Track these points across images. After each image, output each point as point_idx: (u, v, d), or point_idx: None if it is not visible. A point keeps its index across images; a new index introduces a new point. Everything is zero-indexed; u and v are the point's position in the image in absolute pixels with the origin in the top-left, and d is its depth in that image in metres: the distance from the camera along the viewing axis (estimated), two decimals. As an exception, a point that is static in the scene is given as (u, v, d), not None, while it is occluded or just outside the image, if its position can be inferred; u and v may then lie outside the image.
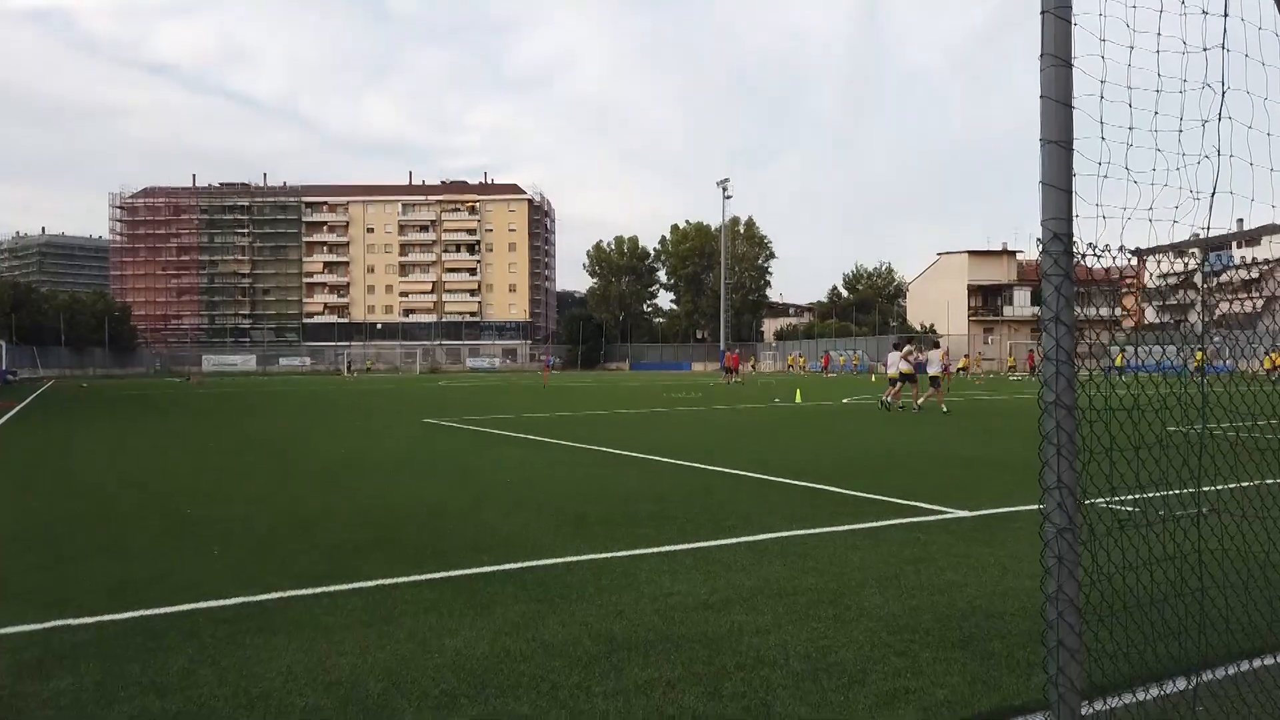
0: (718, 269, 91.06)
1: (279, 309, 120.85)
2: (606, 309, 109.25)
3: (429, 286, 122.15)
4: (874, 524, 7.07)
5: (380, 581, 5.40)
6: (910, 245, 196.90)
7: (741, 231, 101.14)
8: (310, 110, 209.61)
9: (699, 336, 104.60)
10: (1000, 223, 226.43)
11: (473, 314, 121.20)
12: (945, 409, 20.88)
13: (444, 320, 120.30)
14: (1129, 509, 6.69)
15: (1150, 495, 8.37)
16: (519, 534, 6.83)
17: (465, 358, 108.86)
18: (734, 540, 6.49)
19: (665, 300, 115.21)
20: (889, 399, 21.65)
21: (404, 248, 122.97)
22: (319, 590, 5.22)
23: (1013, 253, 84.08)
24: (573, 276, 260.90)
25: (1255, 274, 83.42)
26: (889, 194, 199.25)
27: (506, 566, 5.75)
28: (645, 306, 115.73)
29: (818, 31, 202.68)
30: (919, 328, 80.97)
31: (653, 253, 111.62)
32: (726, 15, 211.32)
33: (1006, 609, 4.76)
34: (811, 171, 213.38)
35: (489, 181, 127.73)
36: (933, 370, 21.74)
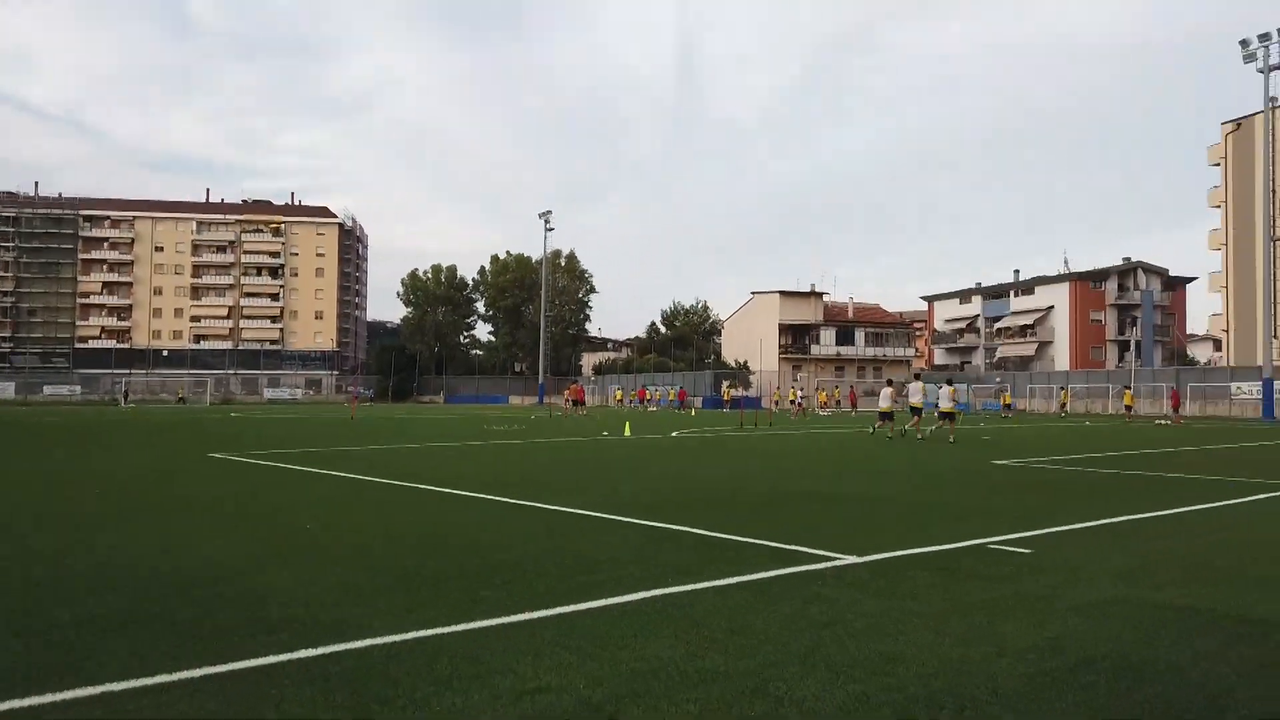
0: (538, 301, 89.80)
1: (47, 331, 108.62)
2: (421, 340, 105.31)
3: (225, 311, 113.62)
4: (760, 575, 5.99)
5: (111, 687, 3.73)
6: (726, 284, 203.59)
7: (563, 265, 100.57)
8: (98, 121, 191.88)
9: (517, 369, 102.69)
10: (809, 266, 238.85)
11: (274, 342, 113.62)
12: (921, 436, 23.55)
13: (240, 348, 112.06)
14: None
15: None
16: (322, 603, 5.23)
17: (263, 388, 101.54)
18: (602, 602, 5.20)
19: (483, 332, 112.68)
20: (911, 429, 24.29)
21: (198, 269, 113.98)
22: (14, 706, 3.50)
23: (820, 294, 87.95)
24: (386, 306, 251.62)
25: (1030, 320, 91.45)
26: (706, 234, 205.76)
27: (302, 654, 4.19)
28: (462, 338, 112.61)
29: (638, 76, 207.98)
30: (733, 364, 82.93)
31: (471, 283, 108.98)
32: (549, 54, 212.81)
33: (970, 689, 3.75)
34: (632, 209, 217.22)
35: (297, 204, 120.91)
36: (914, 400, 24.59)
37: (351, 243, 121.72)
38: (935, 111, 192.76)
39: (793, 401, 54.52)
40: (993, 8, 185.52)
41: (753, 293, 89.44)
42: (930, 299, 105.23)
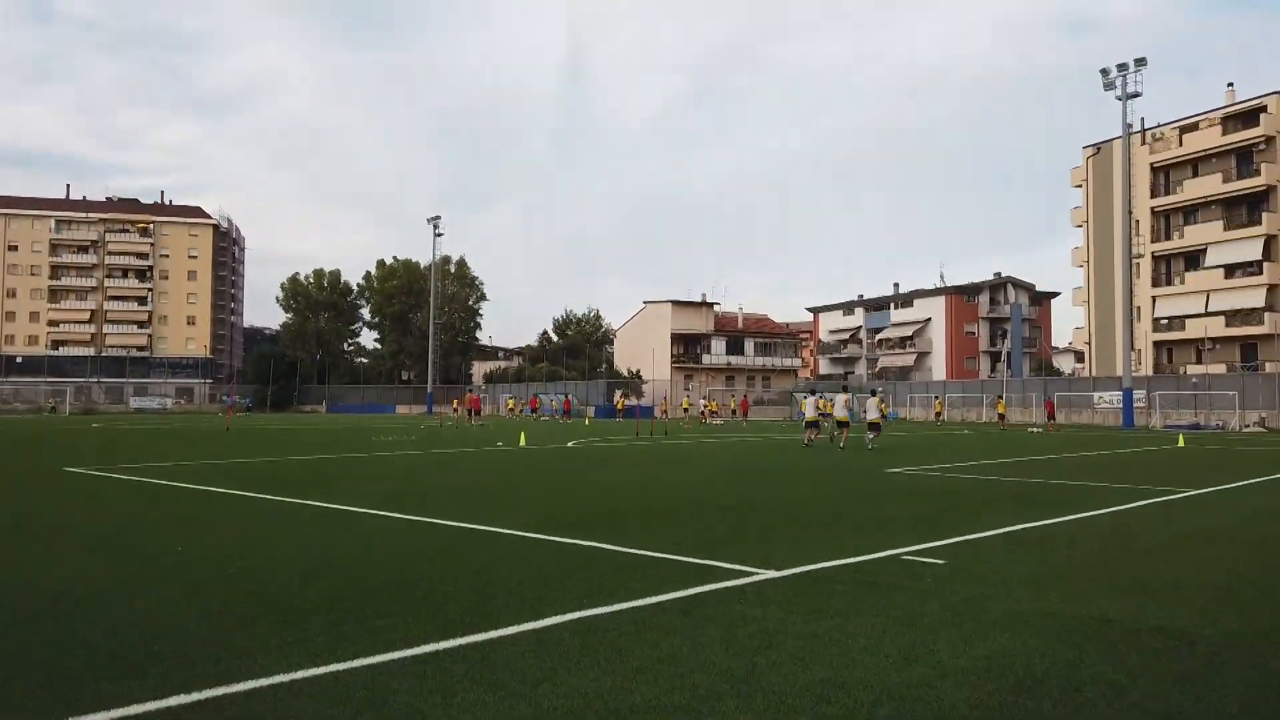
0: (426, 308, 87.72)
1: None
2: (303, 347, 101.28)
3: (87, 315, 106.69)
4: (681, 594, 5.69)
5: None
6: (618, 293, 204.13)
7: (453, 271, 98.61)
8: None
9: (404, 378, 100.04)
10: (700, 276, 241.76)
11: (141, 348, 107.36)
12: (842, 446, 23.99)
13: (105, 354, 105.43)
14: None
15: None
16: (197, 637, 4.64)
17: (129, 397, 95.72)
18: (516, 629, 4.79)
19: (369, 339, 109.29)
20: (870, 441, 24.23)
21: (56, 270, 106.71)
22: None
23: (711, 304, 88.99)
24: (265, 311, 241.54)
25: (909, 332, 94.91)
26: (598, 243, 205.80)
27: (175, 701, 3.64)
28: (346, 345, 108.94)
29: (527, 83, 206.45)
30: (626, 373, 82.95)
31: (357, 289, 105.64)
32: (437, 56, 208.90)
33: (919, 717, 3.52)
34: (524, 215, 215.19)
35: (168, 204, 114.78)
36: (872, 416, 25.21)
37: (227, 245, 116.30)
38: (818, 127, 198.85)
39: (685, 410, 54.87)
40: (876, 31, 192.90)
41: (645, 302, 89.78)
42: (816, 310, 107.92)
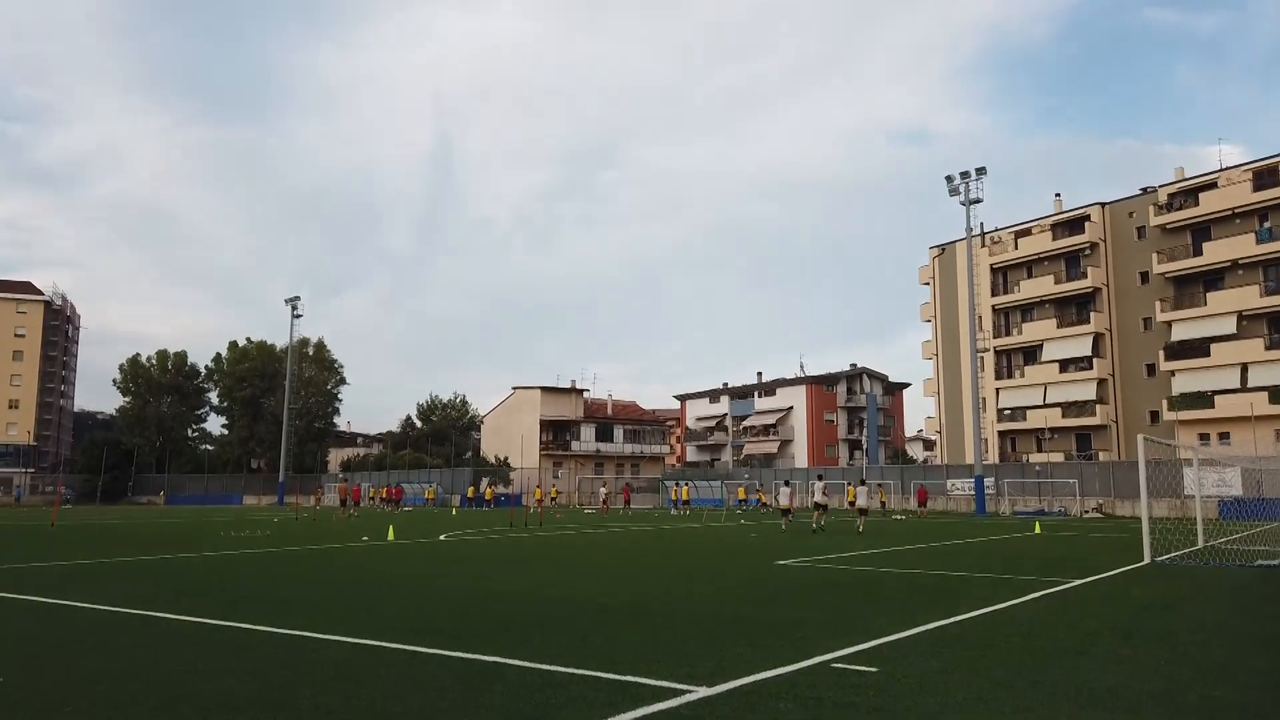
0: (281, 392, 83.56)
1: None
2: (142, 433, 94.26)
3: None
4: (614, 722, 5.07)
5: None
6: (486, 379, 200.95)
7: (311, 354, 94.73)
8: None
9: (254, 466, 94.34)
10: (570, 363, 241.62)
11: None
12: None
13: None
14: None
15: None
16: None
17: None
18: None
19: (216, 425, 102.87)
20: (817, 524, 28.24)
21: None
22: None
23: (580, 390, 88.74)
24: (101, 395, 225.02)
25: (773, 420, 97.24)
26: (465, 329, 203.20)
27: None
28: (191, 431, 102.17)
29: (393, 168, 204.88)
30: (493, 460, 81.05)
31: (205, 371, 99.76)
32: (298, 138, 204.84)
33: None
34: (388, 301, 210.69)
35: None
36: (861, 503, 29.43)
37: (60, 323, 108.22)
38: (682, 222, 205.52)
39: (554, 499, 53.74)
40: (734, 135, 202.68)
41: (514, 388, 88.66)
42: (683, 398, 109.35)
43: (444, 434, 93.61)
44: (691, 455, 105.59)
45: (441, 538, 24.74)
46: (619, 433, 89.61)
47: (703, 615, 9.73)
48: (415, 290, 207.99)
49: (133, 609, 9.89)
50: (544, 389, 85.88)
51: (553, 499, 53.59)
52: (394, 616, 9.52)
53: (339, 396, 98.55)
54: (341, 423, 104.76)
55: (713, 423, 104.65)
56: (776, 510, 35.72)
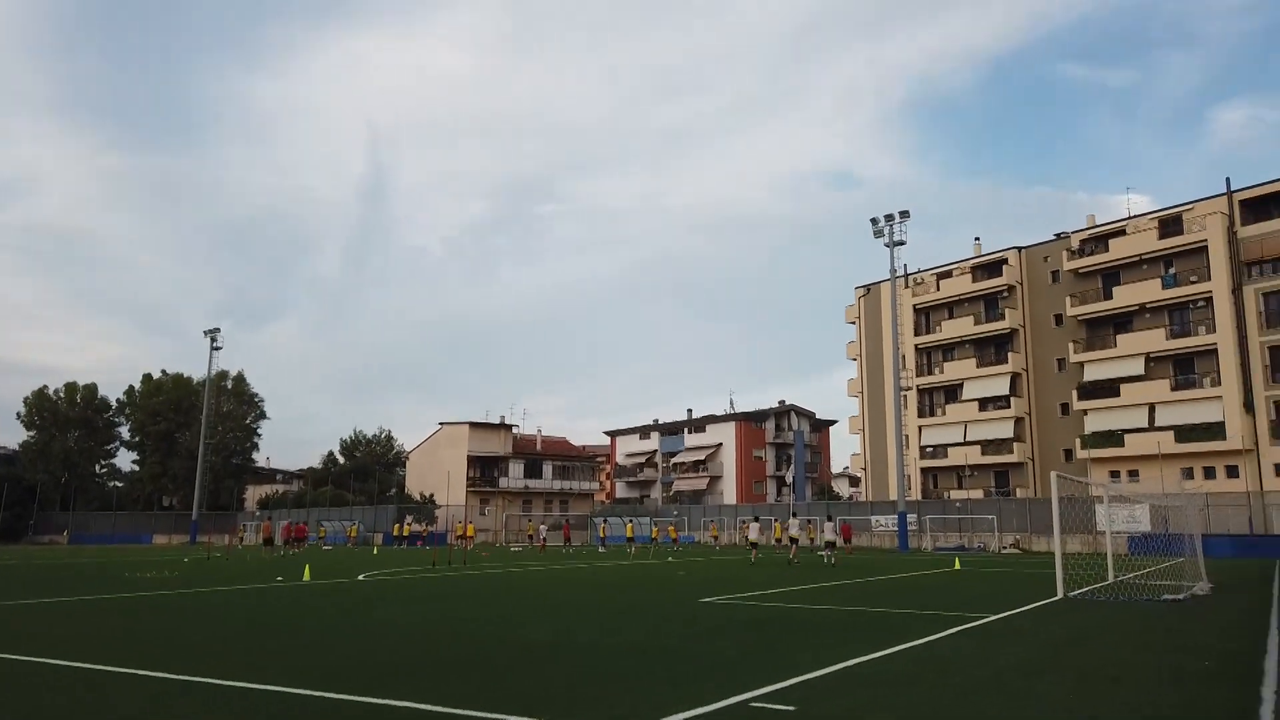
0: (197, 426, 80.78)
1: None
2: (46, 469, 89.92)
3: None
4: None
5: None
6: (413, 414, 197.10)
7: (229, 387, 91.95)
8: None
9: (166, 503, 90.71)
10: (499, 398, 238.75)
11: None
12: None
13: None
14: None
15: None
16: None
17: None
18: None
19: (126, 460, 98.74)
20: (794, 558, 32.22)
21: None
22: None
23: (509, 426, 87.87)
24: (2, 430, 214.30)
25: (702, 456, 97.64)
26: (393, 362, 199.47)
27: None
28: (99, 467, 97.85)
29: (324, 198, 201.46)
30: (419, 497, 79.50)
31: (116, 404, 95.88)
32: (222, 166, 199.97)
33: None
34: (313, 334, 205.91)
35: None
36: (793, 532, 34.35)
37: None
38: (616, 258, 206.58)
39: (471, 535, 52.83)
40: (669, 173, 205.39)
41: (441, 423, 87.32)
42: (613, 434, 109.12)
43: (367, 470, 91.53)
44: (621, 492, 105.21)
45: (360, 577, 24.05)
46: (548, 469, 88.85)
47: (626, 654, 9.60)
48: (343, 322, 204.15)
49: (19, 655, 9.31)
50: (472, 424, 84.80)
51: (469, 536, 52.35)
52: (300, 661, 9.16)
53: (258, 431, 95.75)
54: (260, 459, 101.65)
55: (643, 459, 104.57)
56: (746, 544, 38.38)
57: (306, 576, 23.52)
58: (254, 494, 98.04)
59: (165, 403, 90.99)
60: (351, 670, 8.44)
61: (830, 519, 35.14)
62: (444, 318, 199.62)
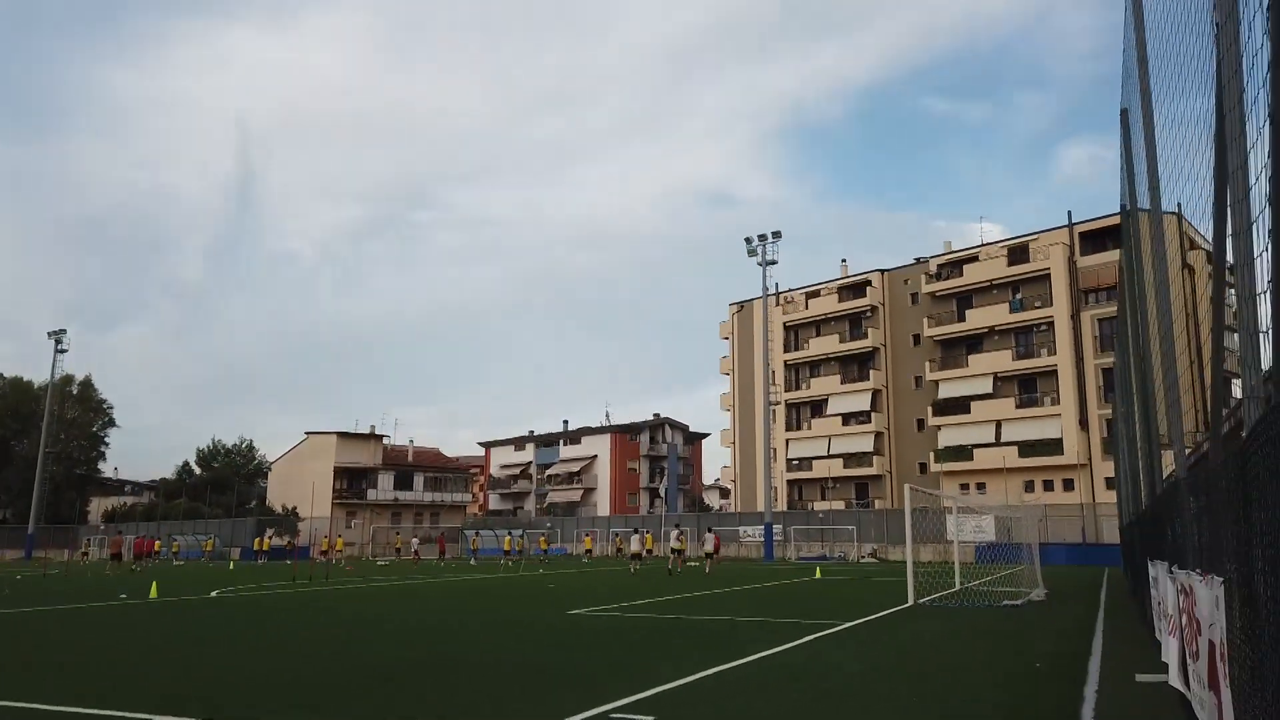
0: (37, 434, 75.24)
1: None
2: None
3: None
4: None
5: None
6: (278, 424, 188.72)
7: (75, 393, 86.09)
8: None
9: (0, 517, 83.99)
10: (370, 408, 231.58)
11: None
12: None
13: None
14: None
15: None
16: None
17: None
18: None
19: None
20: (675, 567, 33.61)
21: None
22: None
23: (380, 436, 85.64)
24: None
25: (577, 468, 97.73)
26: (257, 370, 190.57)
27: None
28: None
29: (187, 196, 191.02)
30: (280, 510, 76.47)
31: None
32: (78, 160, 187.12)
33: None
34: (170, 338, 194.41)
35: None
36: (674, 543, 36.11)
37: None
38: (494, 268, 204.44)
39: (339, 550, 51.30)
40: (549, 185, 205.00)
41: (307, 433, 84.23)
42: (488, 445, 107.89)
43: (226, 482, 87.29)
44: (494, 504, 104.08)
45: (213, 594, 23.04)
46: (419, 480, 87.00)
47: (488, 668, 9.65)
48: (203, 326, 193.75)
49: None
50: (340, 434, 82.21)
51: (339, 550, 50.87)
52: (162, 688, 8.81)
53: (105, 440, 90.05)
54: (107, 469, 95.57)
55: (517, 470, 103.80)
56: (626, 557, 39.19)
57: (154, 594, 22.34)
58: (99, 506, 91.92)
59: (2, 408, 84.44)
60: (196, 693, 8.18)
61: (711, 530, 38.35)
62: (314, 325, 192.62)
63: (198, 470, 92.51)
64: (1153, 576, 9.51)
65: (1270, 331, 2.98)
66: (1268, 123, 2.76)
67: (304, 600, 20.84)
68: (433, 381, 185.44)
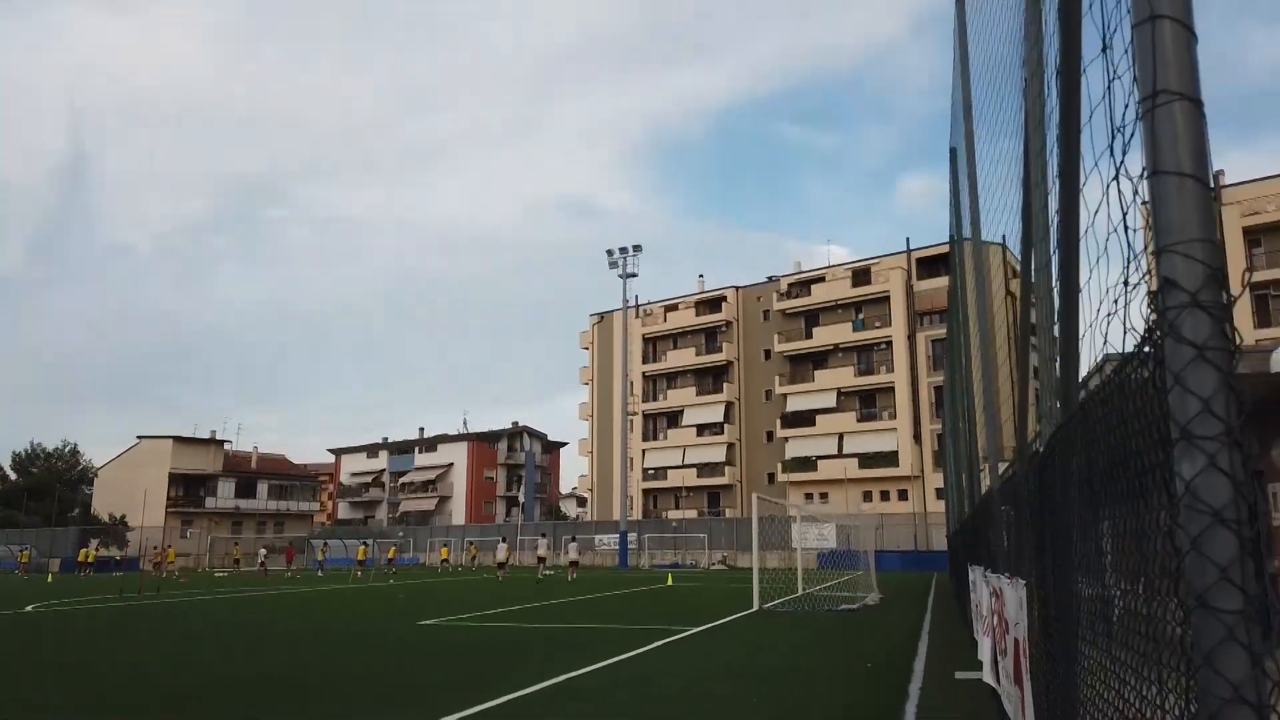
0: None
1: None
2: None
3: None
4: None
5: None
6: (106, 427, 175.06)
7: None
8: None
9: None
10: (211, 412, 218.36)
11: None
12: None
13: None
14: None
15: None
16: None
17: None
18: None
19: None
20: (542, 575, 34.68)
21: None
22: None
23: (221, 442, 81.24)
24: None
25: (433, 476, 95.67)
26: (84, 369, 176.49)
27: None
28: None
29: (8, 180, 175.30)
30: (108, 518, 71.34)
31: None
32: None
33: None
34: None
35: None
36: (541, 551, 37.28)
37: None
38: (350, 269, 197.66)
39: (171, 561, 48.24)
40: (410, 187, 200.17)
41: (140, 437, 78.90)
42: (338, 452, 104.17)
43: (46, 488, 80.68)
44: (344, 513, 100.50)
45: (29, 609, 21.32)
46: (263, 488, 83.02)
47: (331, 682, 9.42)
48: (23, 322, 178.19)
49: None
50: (176, 439, 77.46)
51: (169, 562, 47.86)
52: (-43, 706, 8.15)
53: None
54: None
55: (369, 478, 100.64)
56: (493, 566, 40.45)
57: (-42, 611, 20.46)
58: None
59: None
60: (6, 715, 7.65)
61: (574, 539, 40.62)
62: (150, 322, 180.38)
63: (13, 475, 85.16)
64: (972, 580, 10.28)
65: (1058, 360, 3.37)
66: (1058, 178, 3.13)
67: (131, 614, 19.58)
68: (280, 386, 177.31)
